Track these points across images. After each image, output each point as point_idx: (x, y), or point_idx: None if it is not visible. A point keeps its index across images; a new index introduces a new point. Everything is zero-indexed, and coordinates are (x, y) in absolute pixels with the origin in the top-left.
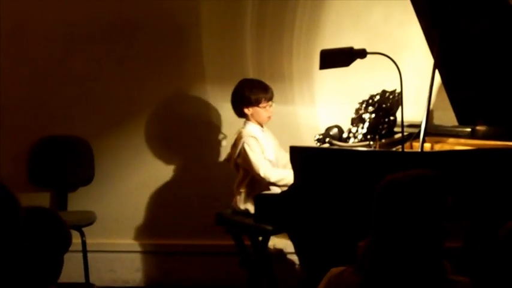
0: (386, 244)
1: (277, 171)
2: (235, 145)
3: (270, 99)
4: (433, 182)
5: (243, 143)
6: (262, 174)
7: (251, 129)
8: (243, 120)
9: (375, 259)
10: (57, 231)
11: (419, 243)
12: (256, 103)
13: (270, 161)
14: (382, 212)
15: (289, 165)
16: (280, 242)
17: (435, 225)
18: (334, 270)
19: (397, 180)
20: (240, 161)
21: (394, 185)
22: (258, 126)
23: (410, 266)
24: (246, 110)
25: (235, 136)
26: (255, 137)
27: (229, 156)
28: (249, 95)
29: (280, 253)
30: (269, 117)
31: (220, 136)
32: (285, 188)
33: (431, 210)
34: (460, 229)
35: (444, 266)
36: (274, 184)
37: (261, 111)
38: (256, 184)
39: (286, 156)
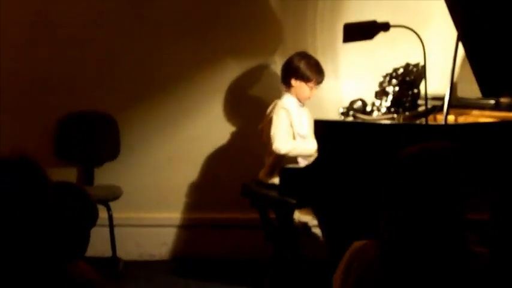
0: (406, 216)
1: (289, 142)
2: (269, 114)
3: (320, 83)
4: (448, 151)
5: (274, 113)
6: (273, 147)
7: (287, 101)
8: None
9: (395, 231)
10: (83, 205)
11: (440, 214)
12: (306, 79)
13: (302, 136)
14: (400, 183)
15: None
16: (305, 216)
17: (455, 197)
18: (357, 244)
19: (413, 151)
20: (268, 131)
21: (411, 156)
22: (296, 100)
23: (431, 238)
24: (293, 81)
25: (271, 106)
26: (287, 109)
27: (262, 125)
28: (305, 69)
29: (304, 226)
30: (309, 98)
31: (248, 108)
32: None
33: (451, 182)
34: (488, 202)
35: (466, 238)
36: (286, 155)
37: (306, 89)
38: (282, 156)
39: None
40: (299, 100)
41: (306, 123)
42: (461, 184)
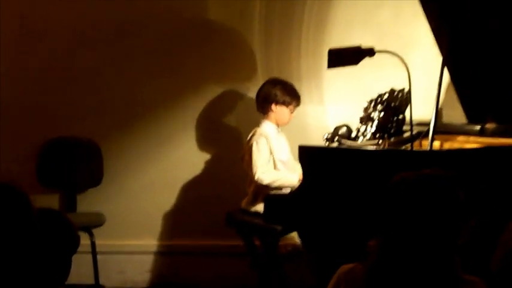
0: (397, 242)
1: (272, 172)
2: (248, 142)
3: (298, 106)
4: (444, 180)
5: (253, 141)
6: (256, 177)
7: (266, 128)
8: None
9: (385, 257)
10: (65, 232)
11: (432, 241)
12: (287, 104)
13: (282, 162)
14: (393, 210)
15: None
16: (291, 242)
17: (449, 224)
18: (345, 267)
19: (408, 178)
20: (248, 159)
21: (406, 183)
22: (275, 126)
23: (421, 264)
24: (273, 107)
25: (251, 134)
26: (266, 137)
27: (243, 153)
28: (283, 94)
29: (290, 253)
30: (288, 122)
31: (229, 135)
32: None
33: (444, 209)
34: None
35: (456, 264)
36: (268, 186)
37: (287, 113)
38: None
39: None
40: (278, 125)
41: (286, 149)
42: (453, 210)
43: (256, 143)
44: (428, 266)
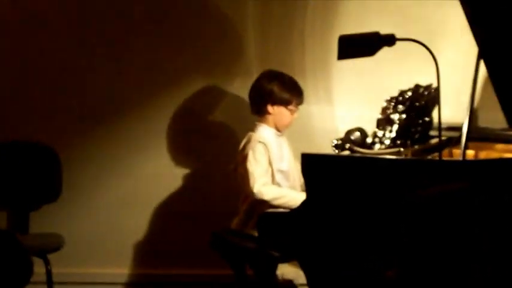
0: (418, 273)
1: (274, 188)
2: (242, 151)
3: (301, 103)
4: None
5: (250, 148)
6: (255, 191)
7: (263, 133)
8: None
9: None
10: (15, 258)
11: (461, 272)
12: (285, 103)
13: (282, 172)
14: (410, 233)
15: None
16: (290, 272)
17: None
18: None
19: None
20: (243, 170)
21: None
22: (274, 130)
23: None
24: (269, 108)
25: (244, 140)
26: (264, 143)
27: (235, 164)
28: (280, 91)
29: (290, 285)
30: (290, 124)
31: (217, 141)
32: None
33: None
34: None
35: None
36: (268, 202)
37: (287, 113)
38: (263, 201)
39: (299, 168)
40: (278, 129)
41: (287, 157)
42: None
43: (253, 151)
44: None
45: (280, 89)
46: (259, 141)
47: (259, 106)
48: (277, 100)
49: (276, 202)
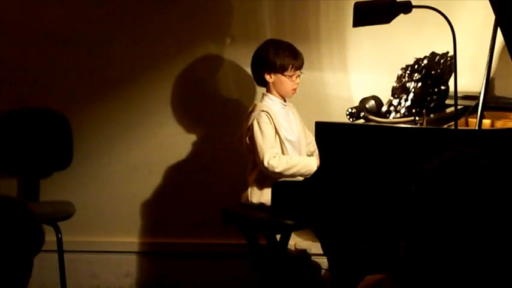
0: (431, 245)
1: (285, 157)
2: (246, 121)
3: (299, 68)
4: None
5: (253, 118)
6: (265, 164)
7: (268, 102)
8: (257, 90)
9: (417, 263)
10: (26, 226)
11: (475, 244)
12: (281, 70)
13: (290, 142)
14: (426, 203)
15: (315, 147)
16: (304, 241)
17: (494, 221)
18: (370, 279)
19: (445, 163)
20: (249, 141)
21: (441, 170)
22: (279, 100)
23: (463, 274)
24: (267, 77)
25: (250, 109)
26: (267, 112)
27: (240, 134)
28: (274, 58)
29: (302, 254)
30: (294, 90)
31: (228, 110)
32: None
33: (489, 201)
34: None
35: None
36: (280, 174)
37: (285, 80)
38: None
39: (311, 137)
40: (282, 97)
41: (295, 126)
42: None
43: (257, 121)
44: (472, 276)
45: (274, 56)
46: (262, 110)
47: (258, 75)
48: (272, 67)
49: (288, 172)
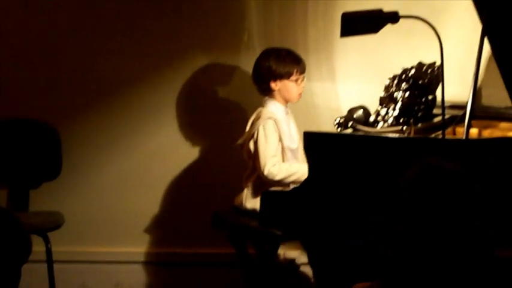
0: (414, 254)
1: (286, 166)
2: (251, 127)
3: (303, 71)
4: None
5: (260, 125)
6: (266, 172)
7: (273, 109)
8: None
9: (403, 271)
10: (14, 236)
11: (459, 251)
12: (286, 76)
13: (291, 150)
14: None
15: None
16: (292, 251)
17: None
18: (358, 287)
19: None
20: (251, 148)
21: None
22: (283, 107)
23: (449, 280)
24: (273, 85)
25: (254, 116)
26: (275, 120)
27: (243, 140)
28: (278, 66)
29: (291, 264)
30: (300, 95)
31: (219, 118)
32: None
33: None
34: None
35: (493, 279)
36: (280, 182)
37: (292, 85)
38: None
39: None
40: (289, 101)
41: (295, 134)
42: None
43: (263, 128)
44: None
45: (277, 64)
46: (270, 117)
47: (263, 86)
48: (277, 75)
49: (287, 180)
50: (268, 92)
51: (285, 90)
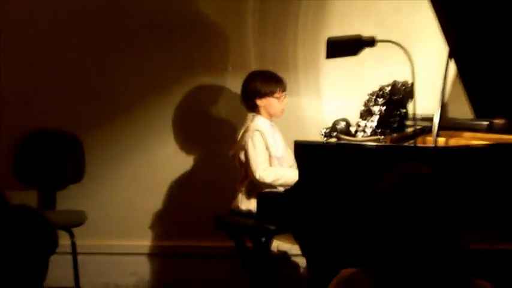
0: (395, 244)
1: (274, 170)
2: (241, 139)
3: (284, 89)
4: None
5: (249, 137)
6: (257, 176)
7: (259, 123)
8: (245, 114)
9: (385, 259)
10: (43, 231)
11: (430, 242)
12: (270, 94)
13: (277, 158)
14: (384, 210)
15: (296, 165)
16: (285, 244)
17: (443, 225)
18: (344, 272)
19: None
20: (242, 157)
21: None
22: (268, 121)
23: (424, 267)
24: (258, 102)
25: (242, 130)
26: (261, 131)
27: (234, 150)
28: (262, 85)
29: (284, 255)
30: (282, 110)
31: (220, 130)
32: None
33: (436, 208)
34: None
35: (465, 269)
36: (270, 185)
37: (275, 102)
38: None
39: (291, 155)
40: (273, 116)
41: (280, 144)
42: (447, 210)
43: (251, 139)
44: (432, 269)
45: (261, 84)
46: (256, 130)
47: (250, 103)
48: (262, 93)
49: (276, 183)
50: (254, 108)
51: (270, 106)
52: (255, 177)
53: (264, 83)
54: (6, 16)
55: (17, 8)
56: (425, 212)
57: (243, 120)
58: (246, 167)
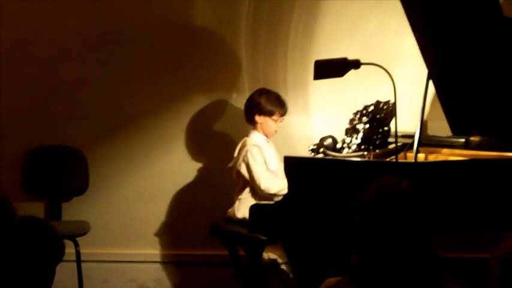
0: (375, 254)
1: (277, 181)
2: (239, 153)
3: (283, 114)
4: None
5: (247, 151)
6: (262, 187)
7: (255, 138)
8: (242, 128)
9: (367, 268)
10: (49, 240)
11: (407, 252)
12: (269, 114)
13: (273, 172)
14: (362, 222)
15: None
16: (274, 252)
17: (419, 235)
18: (330, 281)
19: (375, 191)
20: (242, 170)
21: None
22: (263, 137)
23: (403, 275)
24: (257, 118)
25: (240, 144)
26: (258, 146)
27: (233, 163)
28: (265, 104)
29: (274, 263)
30: (276, 132)
31: (216, 144)
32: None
33: (413, 219)
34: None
35: (442, 277)
36: (275, 195)
37: (271, 123)
38: (256, 192)
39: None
40: (266, 135)
41: (275, 159)
42: (424, 220)
43: (251, 153)
44: (410, 277)
45: (265, 102)
46: (254, 145)
47: (250, 116)
48: (262, 111)
49: (280, 193)
50: (252, 122)
51: (265, 125)
52: (260, 188)
53: (267, 102)
54: (11, 32)
55: (23, 26)
56: (404, 222)
57: (236, 134)
58: (246, 179)
